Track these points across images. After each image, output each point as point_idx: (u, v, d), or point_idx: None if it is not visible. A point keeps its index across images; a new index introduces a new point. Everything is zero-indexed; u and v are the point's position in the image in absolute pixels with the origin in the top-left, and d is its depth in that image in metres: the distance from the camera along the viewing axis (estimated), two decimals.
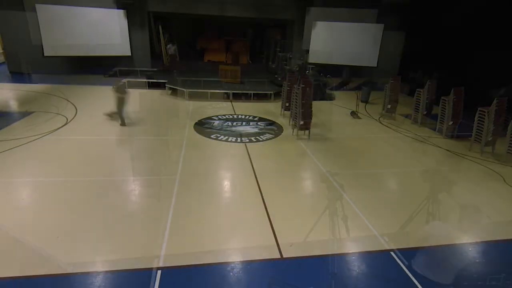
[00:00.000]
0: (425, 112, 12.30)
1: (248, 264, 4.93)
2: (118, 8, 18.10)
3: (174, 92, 15.07)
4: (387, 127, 12.08)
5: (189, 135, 10.23)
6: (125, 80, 12.56)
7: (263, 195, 6.84)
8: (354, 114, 13.34)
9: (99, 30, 17.85)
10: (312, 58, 19.50)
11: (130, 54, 19.02)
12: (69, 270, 4.60)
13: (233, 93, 14.87)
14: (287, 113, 12.20)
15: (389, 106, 13.05)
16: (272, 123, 11.85)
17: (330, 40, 19.64)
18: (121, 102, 10.38)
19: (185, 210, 6.17)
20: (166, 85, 15.31)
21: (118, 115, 10.49)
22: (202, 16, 21.02)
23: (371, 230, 5.83)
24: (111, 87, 10.70)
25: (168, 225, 5.67)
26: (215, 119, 11.87)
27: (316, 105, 11.70)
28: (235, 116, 12.43)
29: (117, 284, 4.46)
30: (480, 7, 13.81)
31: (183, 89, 14.62)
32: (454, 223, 6.37)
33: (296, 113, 10.40)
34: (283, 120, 12.12)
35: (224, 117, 12.19)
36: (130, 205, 6.37)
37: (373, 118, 13.17)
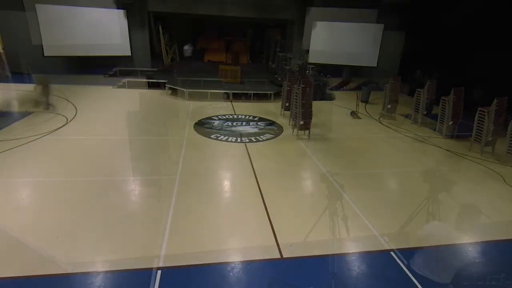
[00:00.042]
0: (425, 112, 12.30)
1: (248, 264, 4.92)
2: (118, 8, 18.12)
3: (174, 92, 15.07)
4: (387, 127, 12.07)
5: (189, 135, 10.23)
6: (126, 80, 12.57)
7: (263, 195, 6.84)
8: (354, 114, 13.34)
9: (99, 30, 17.87)
10: (312, 58, 19.50)
11: (130, 54, 19.04)
12: (69, 270, 4.59)
13: (233, 93, 14.87)
14: (287, 113, 12.20)
15: (389, 106, 13.05)
16: (272, 123, 11.85)
17: (330, 40, 19.65)
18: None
19: (185, 210, 6.16)
20: (166, 85, 15.31)
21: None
22: (202, 16, 21.02)
23: (371, 230, 5.83)
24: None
25: (168, 225, 5.67)
26: (215, 119, 11.87)
27: (316, 105, 11.70)
28: (235, 116, 12.43)
29: (117, 284, 4.45)
30: (480, 7, 13.81)
31: (183, 89, 14.62)
32: (454, 223, 6.37)
33: (296, 113, 10.40)
34: (283, 120, 12.12)
35: (224, 117, 12.19)
36: (130, 205, 6.36)
37: (373, 118, 13.17)
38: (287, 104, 12.27)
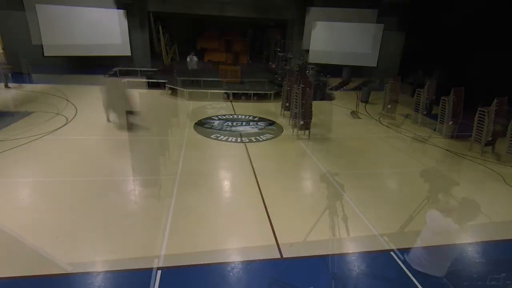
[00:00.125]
0: (425, 112, 12.30)
1: (248, 264, 4.93)
2: (118, 8, 18.11)
3: (174, 92, 15.07)
4: (387, 127, 12.08)
5: (189, 135, 10.24)
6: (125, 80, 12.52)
7: (263, 195, 6.84)
8: (354, 114, 13.34)
9: (99, 30, 17.87)
10: (312, 58, 19.50)
11: (130, 54, 19.03)
12: (69, 270, 4.59)
13: (233, 93, 14.87)
14: (287, 113, 12.21)
15: (389, 106, 13.05)
16: (272, 123, 11.85)
17: (330, 40, 19.65)
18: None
19: (185, 210, 6.17)
20: (166, 85, 15.31)
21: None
22: (202, 16, 21.01)
23: (371, 230, 5.83)
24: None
25: (168, 225, 5.67)
26: (215, 119, 11.87)
27: (316, 105, 11.70)
28: (235, 116, 12.43)
29: (117, 284, 4.45)
30: (480, 7, 13.81)
31: (183, 89, 14.62)
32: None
33: (296, 113, 10.40)
34: (283, 120, 12.12)
35: (224, 117, 12.19)
36: (130, 205, 6.36)
37: (373, 118, 13.17)
38: (287, 104, 12.27)
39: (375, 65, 19.64)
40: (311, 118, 10.26)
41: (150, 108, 13.20)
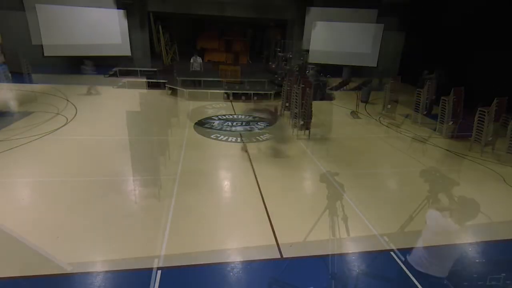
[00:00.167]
0: (425, 112, 12.30)
1: (248, 264, 4.93)
2: (118, 8, 18.11)
3: (174, 92, 15.07)
4: (387, 127, 12.07)
5: (189, 135, 10.23)
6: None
7: (263, 195, 6.84)
8: (354, 114, 13.34)
9: (99, 30, 17.86)
10: (312, 58, 19.48)
11: (130, 54, 19.03)
12: (69, 270, 4.59)
13: (233, 93, 14.87)
14: (287, 113, 12.20)
15: (389, 106, 13.06)
16: (272, 123, 11.85)
17: (330, 40, 19.65)
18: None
19: (185, 210, 6.17)
20: (166, 85, 15.31)
21: None
22: (202, 16, 21.01)
23: (371, 230, 5.83)
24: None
25: (168, 225, 5.67)
26: (215, 119, 11.87)
27: (316, 105, 11.70)
28: (235, 116, 12.43)
29: (117, 284, 4.45)
30: (480, 7, 13.81)
31: (183, 89, 14.62)
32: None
33: (296, 113, 10.40)
34: (283, 120, 12.12)
35: (224, 117, 12.19)
36: (130, 205, 6.36)
37: (373, 118, 13.17)
38: (287, 104, 12.27)
39: (375, 65, 19.63)
40: (311, 118, 10.26)
41: (150, 108, 13.21)
